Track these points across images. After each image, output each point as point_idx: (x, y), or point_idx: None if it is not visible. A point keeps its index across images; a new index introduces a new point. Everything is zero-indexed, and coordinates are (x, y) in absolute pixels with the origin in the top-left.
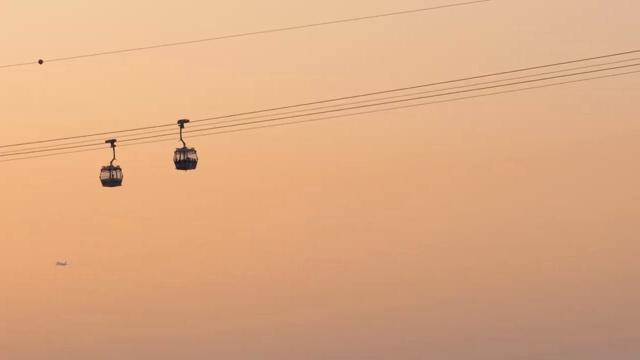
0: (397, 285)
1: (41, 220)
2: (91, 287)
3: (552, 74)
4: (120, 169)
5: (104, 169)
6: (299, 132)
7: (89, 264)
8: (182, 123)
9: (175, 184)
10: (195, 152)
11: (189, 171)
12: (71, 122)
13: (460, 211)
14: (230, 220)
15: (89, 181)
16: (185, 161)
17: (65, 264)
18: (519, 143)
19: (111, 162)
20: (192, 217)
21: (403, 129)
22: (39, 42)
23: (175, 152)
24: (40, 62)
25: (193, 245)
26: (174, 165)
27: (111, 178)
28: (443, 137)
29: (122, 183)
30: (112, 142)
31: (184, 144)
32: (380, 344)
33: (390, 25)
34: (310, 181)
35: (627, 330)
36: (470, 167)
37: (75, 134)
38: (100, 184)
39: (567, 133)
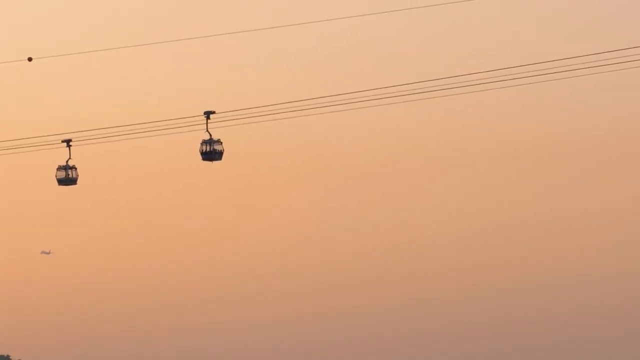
0: (392, 278)
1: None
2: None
3: (537, 72)
4: (75, 168)
5: (59, 168)
6: (298, 126)
7: (72, 256)
8: (208, 114)
9: (183, 175)
10: (222, 143)
11: (213, 163)
12: (32, 122)
13: (456, 206)
14: (232, 212)
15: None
16: (211, 152)
17: (49, 253)
18: (510, 139)
19: (67, 162)
20: (193, 210)
21: (399, 125)
22: (27, 39)
23: (202, 144)
24: (30, 59)
25: (190, 238)
26: (199, 156)
27: (67, 177)
28: (443, 132)
29: (77, 182)
30: (67, 142)
31: (210, 135)
32: (385, 335)
33: (393, 21)
34: (303, 177)
35: (628, 323)
36: (464, 162)
37: (34, 134)
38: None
39: (551, 131)
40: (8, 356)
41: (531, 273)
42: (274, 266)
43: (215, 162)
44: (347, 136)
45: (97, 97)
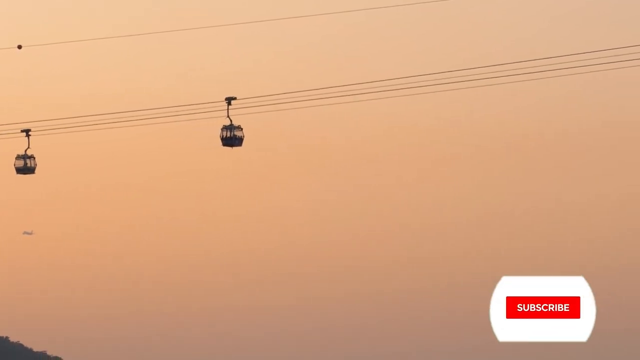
0: (405, 264)
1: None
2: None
3: (534, 69)
4: (34, 158)
5: (18, 157)
6: (318, 114)
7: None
8: (229, 100)
9: (203, 160)
10: (242, 129)
11: (233, 148)
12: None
13: (457, 199)
14: (251, 197)
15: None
16: (231, 138)
17: (31, 233)
18: (515, 133)
19: (25, 151)
20: (213, 195)
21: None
22: (19, 27)
23: (222, 129)
24: (19, 47)
25: (209, 223)
26: (220, 142)
27: (25, 166)
28: (448, 124)
29: (35, 171)
30: (27, 131)
31: (231, 121)
32: (389, 322)
33: (412, 13)
34: (322, 164)
35: (629, 320)
36: (476, 152)
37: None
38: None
39: (554, 126)
40: (7, 337)
41: (535, 266)
42: (292, 250)
43: (235, 148)
44: (366, 124)
45: (111, 84)
